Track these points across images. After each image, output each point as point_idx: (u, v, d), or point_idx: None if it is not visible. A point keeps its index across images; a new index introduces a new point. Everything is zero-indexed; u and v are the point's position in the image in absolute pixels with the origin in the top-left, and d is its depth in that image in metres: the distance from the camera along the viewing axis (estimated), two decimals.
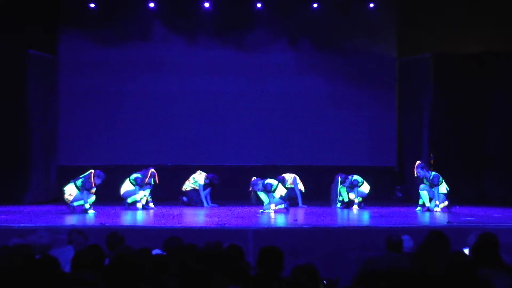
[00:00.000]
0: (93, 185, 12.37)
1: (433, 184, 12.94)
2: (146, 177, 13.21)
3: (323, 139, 15.85)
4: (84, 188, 12.26)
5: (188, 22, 15.76)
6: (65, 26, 15.53)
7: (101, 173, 12.53)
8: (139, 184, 13.13)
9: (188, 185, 14.38)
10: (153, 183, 13.32)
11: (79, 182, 12.30)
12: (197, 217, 12.37)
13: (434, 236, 6.07)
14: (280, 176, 14.21)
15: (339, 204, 13.91)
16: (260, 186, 12.93)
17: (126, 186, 13.25)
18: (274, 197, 12.80)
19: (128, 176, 13.34)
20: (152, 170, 13.33)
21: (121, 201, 13.29)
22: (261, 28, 15.87)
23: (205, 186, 14.38)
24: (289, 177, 14.51)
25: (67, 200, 12.31)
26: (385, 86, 16.04)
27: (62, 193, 12.53)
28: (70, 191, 12.29)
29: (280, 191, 12.89)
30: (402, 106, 16.06)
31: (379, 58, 15.95)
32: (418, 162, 13.32)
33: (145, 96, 15.66)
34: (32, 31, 14.62)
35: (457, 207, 13.37)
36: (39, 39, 14.88)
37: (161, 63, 15.73)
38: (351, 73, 15.92)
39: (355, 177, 13.81)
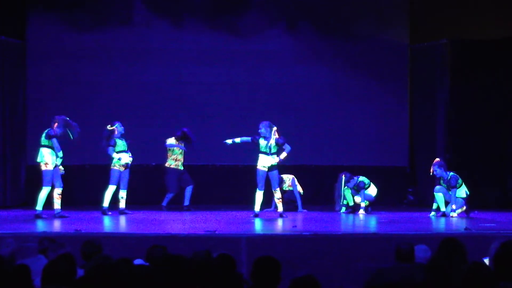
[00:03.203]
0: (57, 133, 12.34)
1: (451, 186, 12.98)
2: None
3: (325, 136, 15.86)
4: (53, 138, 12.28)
5: (174, 4, 15.74)
6: (34, 8, 15.49)
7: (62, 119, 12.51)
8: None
9: (171, 161, 14.31)
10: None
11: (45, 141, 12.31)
12: (184, 223, 12.39)
13: (448, 244, 6.09)
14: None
15: (343, 209, 13.95)
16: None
17: None
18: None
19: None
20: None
21: (98, 205, 13.28)
22: (255, 11, 15.85)
23: (178, 140, 14.27)
24: (287, 178, 14.53)
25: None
26: (396, 76, 16.04)
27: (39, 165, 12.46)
28: (46, 159, 12.30)
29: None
30: (415, 99, 16.07)
31: (389, 45, 15.95)
32: (437, 159, 13.38)
33: (125, 87, 15.64)
34: None
35: (477, 212, 13.42)
36: (5, 23, 14.86)
37: (144, 50, 15.70)
38: (357, 62, 15.92)
39: (361, 178, 13.85)
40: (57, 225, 11.48)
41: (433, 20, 15.54)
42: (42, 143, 12.30)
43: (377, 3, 15.93)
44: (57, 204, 12.33)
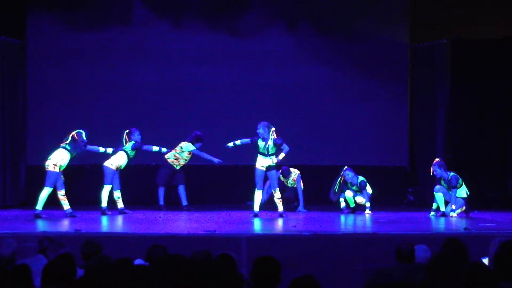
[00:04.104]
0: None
1: (451, 186, 12.98)
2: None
3: (325, 136, 15.84)
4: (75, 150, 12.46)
5: (173, 3, 15.74)
6: (34, 8, 15.49)
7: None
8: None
9: (171, 155, 14.28)
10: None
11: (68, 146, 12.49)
12: (184, 223, 12.39)
13: (451, 244, 6.10)
14: (284, 167, 14.15)
15: (342, 203, 13.89)
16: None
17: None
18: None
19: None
20: None
21: (97, 205, 13.27)
22: (255, 11, 15.83)
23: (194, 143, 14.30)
24: (293, 172, 14.41)
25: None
26: (396, 76, 16.02)
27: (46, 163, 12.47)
28: (62, 156, 12.34)
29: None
30: (415, 99, 16.06)
31: (389, 45, 15.93)
32: (437, 159, 13.39)
33: (124, 87, 15.63)
34: None
35: (477, 212, 13.43)
36: (5, 23, 14.85)
37: (143, 49, 15.69)
38: (357, 62, 15.91)
39: (361, 178, 13.83)
40: (57, 225, 11.49)
41: (433, 20, 15.53)
42: (68, 149, 12.41)
43: (377, 3, 15.91)
44: (65, 205, 12.39)
